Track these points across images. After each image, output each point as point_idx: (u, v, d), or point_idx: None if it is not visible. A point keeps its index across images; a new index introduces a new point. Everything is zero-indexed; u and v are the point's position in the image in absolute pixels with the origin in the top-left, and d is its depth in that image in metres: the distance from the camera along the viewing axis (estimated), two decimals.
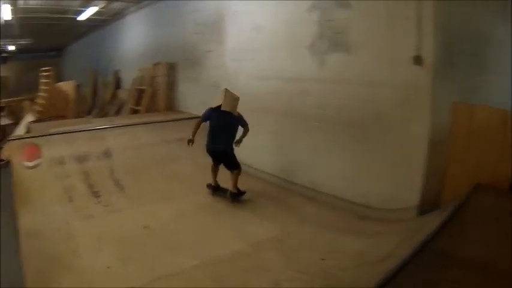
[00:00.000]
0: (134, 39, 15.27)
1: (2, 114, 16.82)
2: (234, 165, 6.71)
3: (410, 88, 5.50)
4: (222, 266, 4.60)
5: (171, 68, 11.52)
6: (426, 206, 5.38)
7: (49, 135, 7.60)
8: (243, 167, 6.82)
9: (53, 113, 14.42)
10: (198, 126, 6.69)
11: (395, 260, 3.42)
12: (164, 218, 6.00)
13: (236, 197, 6.64)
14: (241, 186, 6.72)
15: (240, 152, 6.75)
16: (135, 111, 13.14)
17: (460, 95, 5.56)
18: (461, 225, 4.13)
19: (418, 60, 5.40)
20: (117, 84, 16.86)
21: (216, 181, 7.00)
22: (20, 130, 12.48)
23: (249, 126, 6.66)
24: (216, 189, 6.97)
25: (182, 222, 5.89)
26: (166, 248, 5.04)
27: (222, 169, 6.86)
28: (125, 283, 4.23)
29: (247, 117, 6.69)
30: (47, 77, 15.12)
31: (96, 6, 14.59)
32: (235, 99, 6.63)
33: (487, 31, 5.86)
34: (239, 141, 6.71)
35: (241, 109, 6.60)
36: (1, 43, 23.29)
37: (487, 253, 3.46)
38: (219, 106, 6.54)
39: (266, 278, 4.33)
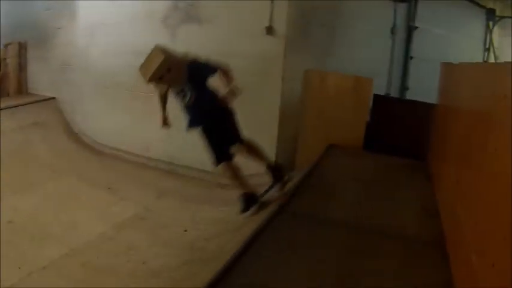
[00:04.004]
0: None
1: None
2: None
3: (263, 58, 5.77)
4: (90, 251, 4.52)
5: (22, 48, 10.90)
6: None
7: None
8: (98, 147, 6.92)
9: None
10: None
11: (256, 224, 3.59)
12: (28, 209, 5.57)
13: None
14: (92, 168, 6.77)
15: (92, 131, 6.81)
16: None
17: (314, 64, 5.95)
18: (318, 185, 4.43)
19: (270, 30, 5.69)
20: None
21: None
22: None
23: (104, 103, 6.64)
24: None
25: (46, 211, 5.54)
26: (33, 241, 4.77)
27: None
28: None
29: (100, 94, 6.75)
30: None
31: None
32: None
33: (339, 3, 6.40)
34: None
35: (95, 86, 6.69)
36: None
37: (350, 211, 3.79)
38: None
39: (133, 257, 4.35)
